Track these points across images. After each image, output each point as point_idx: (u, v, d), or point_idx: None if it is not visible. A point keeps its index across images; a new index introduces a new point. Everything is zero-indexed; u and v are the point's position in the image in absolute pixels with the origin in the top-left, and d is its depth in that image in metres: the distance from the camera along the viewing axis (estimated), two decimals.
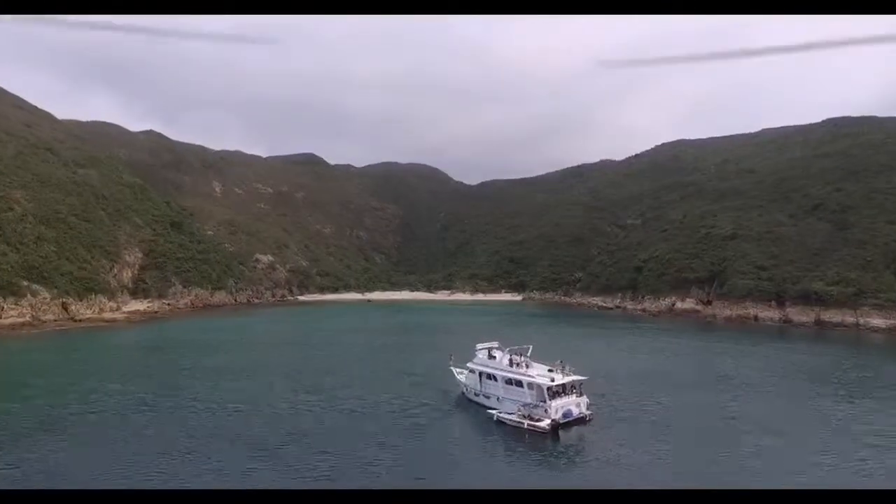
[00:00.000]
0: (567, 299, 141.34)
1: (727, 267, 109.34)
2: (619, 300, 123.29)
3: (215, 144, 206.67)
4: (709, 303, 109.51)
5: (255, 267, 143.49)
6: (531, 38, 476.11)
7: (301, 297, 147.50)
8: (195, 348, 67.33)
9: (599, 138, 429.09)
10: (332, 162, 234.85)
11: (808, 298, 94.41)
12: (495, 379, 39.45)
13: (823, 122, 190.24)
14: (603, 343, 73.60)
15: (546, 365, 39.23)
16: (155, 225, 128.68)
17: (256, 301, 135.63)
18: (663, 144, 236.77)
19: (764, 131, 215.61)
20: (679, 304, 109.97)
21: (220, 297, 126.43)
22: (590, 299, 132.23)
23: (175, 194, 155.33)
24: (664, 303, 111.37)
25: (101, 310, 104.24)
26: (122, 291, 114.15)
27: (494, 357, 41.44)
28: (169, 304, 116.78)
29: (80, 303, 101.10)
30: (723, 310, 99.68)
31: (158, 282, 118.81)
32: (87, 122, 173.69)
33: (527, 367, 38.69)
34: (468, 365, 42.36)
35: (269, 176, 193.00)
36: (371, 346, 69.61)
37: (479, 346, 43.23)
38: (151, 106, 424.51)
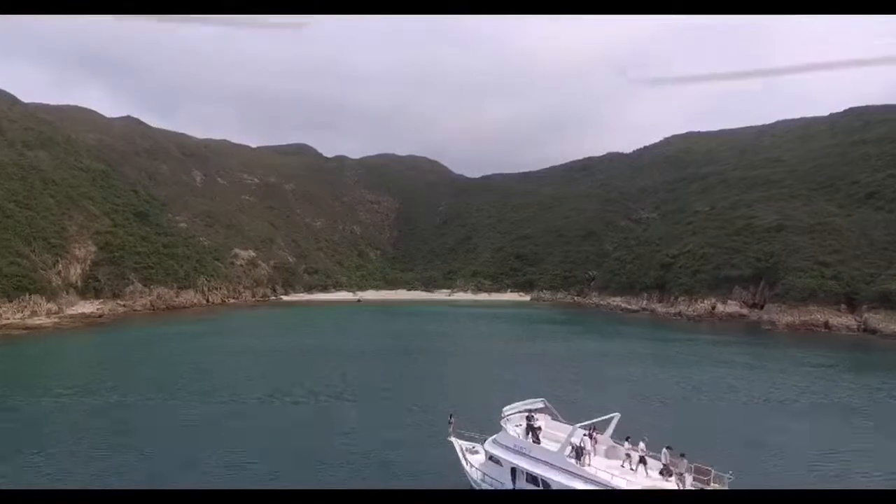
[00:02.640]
0: (582, 300, 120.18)
1: (778, 263, 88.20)
2: (644, 301, 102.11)
3: (209, 136, 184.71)
4: (755, 305, 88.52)
5: (232, 263, 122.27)
6: (537, 35, 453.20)
7: (285, 297, 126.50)
8: (67, 380, 46.02)
9: (603, 135, 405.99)
10: (328, 155, 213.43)
11: (889, 301, 73.24)
12: (548, 485, 18.19)
13: (845, 111, 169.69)
14: (662, 365, 51.93)
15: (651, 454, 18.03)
16: (115, 215, 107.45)
17: (232, 301, 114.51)
18: (673, 136, 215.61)
19: (779, 123, 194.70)
20: (720, 307, 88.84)
21: (188, 296, 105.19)
22: (609, 300, 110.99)
23: (148, 183, 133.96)
24: (702, 305, 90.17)
25: (35, 312, 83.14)
26: (67, 291, 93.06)
27: (539, 428, 20.23)
28: (124, 306, 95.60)
29: (7, 304, 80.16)
30: (780, 315, 78.33)
31: (113, 279, 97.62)
32: (57, 106, 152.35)
33: (630, 461, 17.46)
34: (488, 447, 20.97)
35: (257, 166, 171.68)
36: (335, 381, 44.47)
37: (508, 409, 21.92)
38: (146, 99, 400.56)
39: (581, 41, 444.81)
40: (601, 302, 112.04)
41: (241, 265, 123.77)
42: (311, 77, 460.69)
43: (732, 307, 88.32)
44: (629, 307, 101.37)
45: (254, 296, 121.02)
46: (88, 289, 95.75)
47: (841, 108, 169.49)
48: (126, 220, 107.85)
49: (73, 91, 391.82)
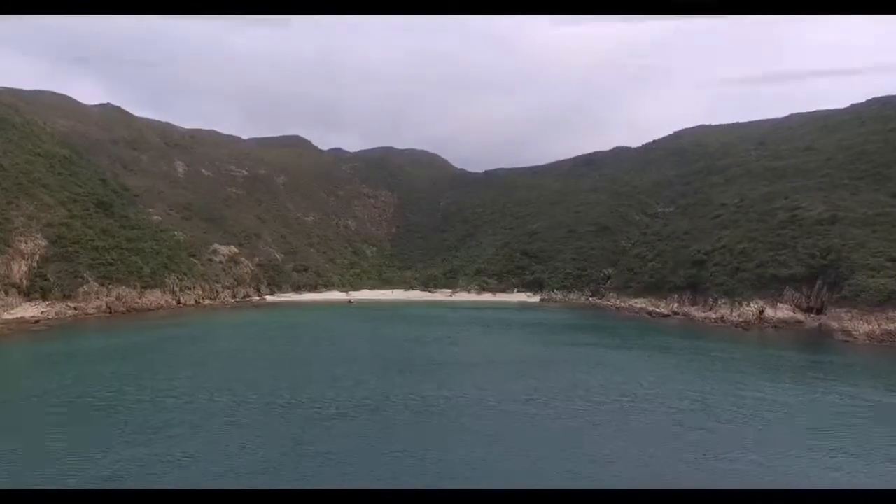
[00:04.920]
0: (598, 301, 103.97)
1: (839, 260, 72.15)
2: (675, 304, 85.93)
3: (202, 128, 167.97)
4: (811, 309, 72.46)
5: (210, 260, 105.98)
6: (540, 30, 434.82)
7: (270, 298, 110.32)
8: None
9: (608, 131, 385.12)
10: (325, 148, 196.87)
11: None
12: None
13: (870, 101, 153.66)
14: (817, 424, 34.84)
15: None
16: (72, 205, 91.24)
17: (208, 303, 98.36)
18: (683, 130, 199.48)
19: (793, 115, 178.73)
20: (770, 312, 72.68)
21: (154, 297, 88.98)
22: (631, 302, 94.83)
23: (121, 173, 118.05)
24: (749, 310, 73.90)
25: None
26: (7, 291, 76.95)
27: None
28: (75, 308, 79.44)
29: None
30: (853, 322, 61.98)
31: (64, 278, 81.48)
32: (31, 91, 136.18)
33: None
34: None
35: (246, 158, 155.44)
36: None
37: None
38: (142, 93, 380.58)
39: (584, 38, 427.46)
40: (622, 304, 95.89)
41: (221, 262, 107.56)
42: (311, 71, 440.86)
43: (785, 312, 72.23)
44: (659, 311, 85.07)
45: (234, 296, 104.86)
46: (35, 289, 79.59)
47: (852, 101, 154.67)
48: (85, 211, 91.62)
49: (68, 85, 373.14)
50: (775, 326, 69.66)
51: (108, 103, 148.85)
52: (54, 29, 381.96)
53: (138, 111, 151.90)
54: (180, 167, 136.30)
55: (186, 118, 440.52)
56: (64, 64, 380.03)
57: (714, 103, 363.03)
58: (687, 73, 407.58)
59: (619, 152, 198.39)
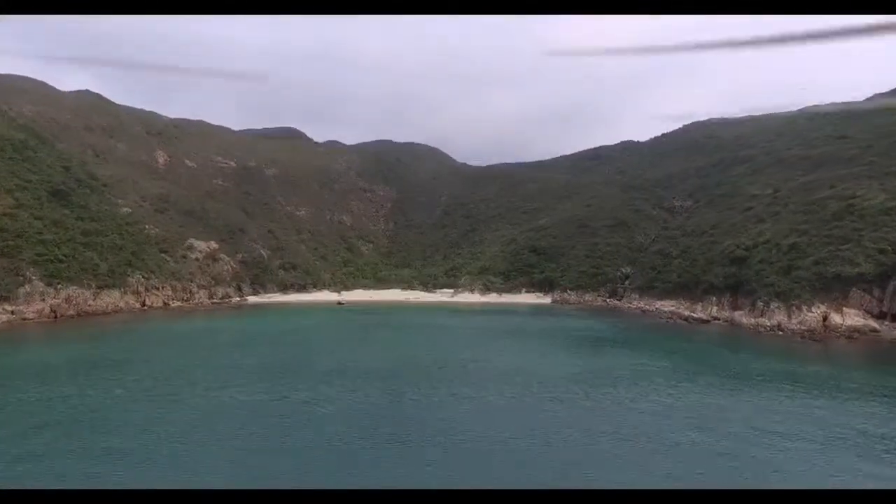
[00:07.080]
0: (618, 303, 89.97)
1: None
2: (714, 308, 71.82)
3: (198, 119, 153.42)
4: (885, 315, 58.59)
5: (185, 257, 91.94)
6: (543, 26, 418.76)
7: (253, 299, 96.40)
8: None
9: (612, 128, 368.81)
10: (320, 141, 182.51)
11: None
12: None
13: (892, 91, 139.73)
14: None
15: None
16: (20, 193, 77.09)
17: (179, 304, 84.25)
18: (693, 123, 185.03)
19: (809, 109, 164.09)
20: (836, 318, 58.62)
21: (112, 299, 75.05)
22: (657, 304, 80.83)
23: (93, 161, 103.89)
24: (811, 315, 59.81)
25: None
26: None
27: None
28: (12, 312, 65.36)
29: None
30: None
31: (4, 276, 67.28)
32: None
33: None
34: None
35: (235, 149, 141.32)
36: None
37: None
38: (137, 86, 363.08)
39: (587, 35, 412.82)
40: (647, 307, 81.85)
41: (197, 259, 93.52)
42: (308, 62, 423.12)
43: (854, 318, 58.27)
44: (696, 316, 70.88)
45: (211, 297, 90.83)
46: None
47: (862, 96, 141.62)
48: (36, 201, 77.54)
49: (62, 79, 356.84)
50: (849, 336, 55.68)
51: (86, 90, 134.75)
52: (48, 24, 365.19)
53: (133, 105, 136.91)
54: (161, 157, 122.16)
55: (181, 113, 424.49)
56: (54, 60, 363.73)
57: (720, 99, 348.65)
58: (691, 69, 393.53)
59: (627, 146, 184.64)
